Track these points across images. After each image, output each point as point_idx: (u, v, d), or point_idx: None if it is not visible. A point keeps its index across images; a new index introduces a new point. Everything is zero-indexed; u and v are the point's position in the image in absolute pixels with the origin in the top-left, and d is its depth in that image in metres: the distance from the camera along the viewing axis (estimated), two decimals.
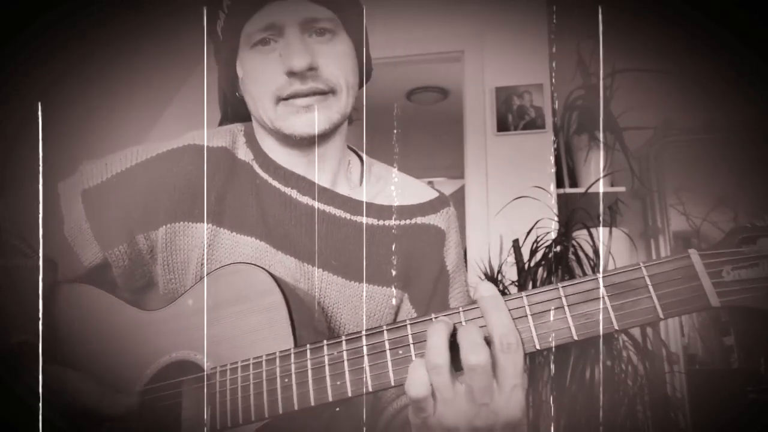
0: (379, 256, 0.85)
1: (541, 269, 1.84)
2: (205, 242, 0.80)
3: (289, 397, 0.60)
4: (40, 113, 0.80)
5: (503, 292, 0.74)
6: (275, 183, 0.84)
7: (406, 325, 0.58)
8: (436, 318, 0.57)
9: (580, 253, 1.84)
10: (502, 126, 2.38)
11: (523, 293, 0.56)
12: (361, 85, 0.89)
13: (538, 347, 0.55)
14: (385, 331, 0.59)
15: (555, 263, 1.82)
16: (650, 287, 0.54)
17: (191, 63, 2.67)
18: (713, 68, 2.51)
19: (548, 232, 1.91)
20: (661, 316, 0.53)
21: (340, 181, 0.88)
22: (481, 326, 0.55)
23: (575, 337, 0.54)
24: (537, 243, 1.89)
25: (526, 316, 0.55)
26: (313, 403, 0.59)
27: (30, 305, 0.76)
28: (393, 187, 0.92)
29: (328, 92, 0.78)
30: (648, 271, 0.54)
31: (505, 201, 2.13)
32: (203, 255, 0.80)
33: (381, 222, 0.87)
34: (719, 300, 0.52)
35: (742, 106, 2.47)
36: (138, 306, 0.79)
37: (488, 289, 0.56)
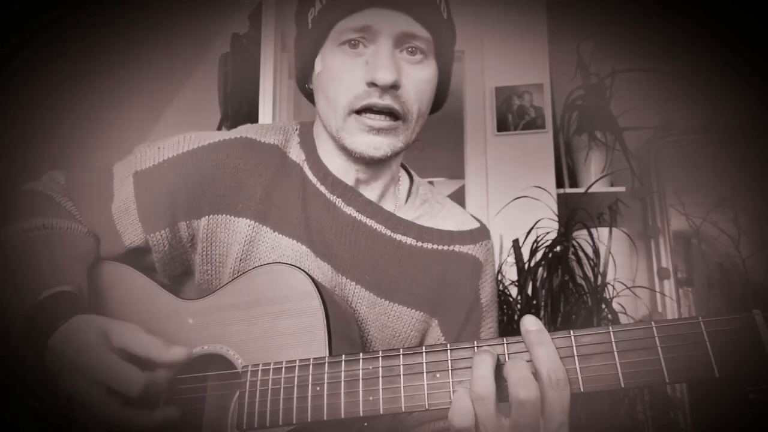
0: (413, 278, 0.83)
1: (541, 269, 1.83)
2: (244, 238, 0.78)
3: (319, 406, 0.59)
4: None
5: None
6: (322, 188, 0.83)
7: (446, 350, 0.57)
8: (479, 347, 0.56)
9: (580, 253, 1.84)
10: (502, 126, 2.38)
11: (572, 332, 0.54)
12: (430, 112, 0.87)
13: (582, 390, 0.52)
14: (423, 353, 0.57)
15: (555, 263, 1.82)
16: (708, 344, 0.50)
17: (191, 63, 2.68)
18: (713, 68, 2.51)
19: (548, 232, 1.91)
20: (717, 375, 0.50)
21: (387, 197, 0.87)
22: (527, 360, 0.54)
23: (622, 385, 0.52)
24: (537, 243, 1.89)
25: (573, 356, 0.53)
26: (343, 415, 0.58)
27: (72, 262, 0.76)
28: (437, 210, 0.91)
29: (400, 119, 0.76)
30: (706, 326, 0.51)
31: (505, 201, 2.13)
32: (243, 250, 0.79)
33: (419, 243, 0.85)
34: None
35: (741, 106, 2.47)
36: (174, 293, 0.78)
37: (533, 323, 0.54)
